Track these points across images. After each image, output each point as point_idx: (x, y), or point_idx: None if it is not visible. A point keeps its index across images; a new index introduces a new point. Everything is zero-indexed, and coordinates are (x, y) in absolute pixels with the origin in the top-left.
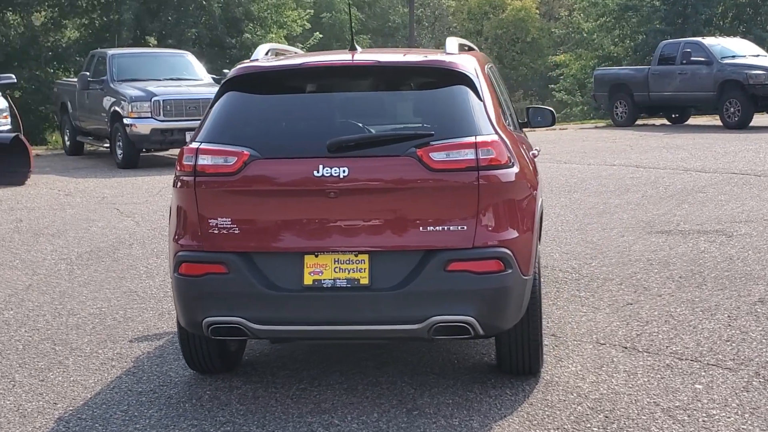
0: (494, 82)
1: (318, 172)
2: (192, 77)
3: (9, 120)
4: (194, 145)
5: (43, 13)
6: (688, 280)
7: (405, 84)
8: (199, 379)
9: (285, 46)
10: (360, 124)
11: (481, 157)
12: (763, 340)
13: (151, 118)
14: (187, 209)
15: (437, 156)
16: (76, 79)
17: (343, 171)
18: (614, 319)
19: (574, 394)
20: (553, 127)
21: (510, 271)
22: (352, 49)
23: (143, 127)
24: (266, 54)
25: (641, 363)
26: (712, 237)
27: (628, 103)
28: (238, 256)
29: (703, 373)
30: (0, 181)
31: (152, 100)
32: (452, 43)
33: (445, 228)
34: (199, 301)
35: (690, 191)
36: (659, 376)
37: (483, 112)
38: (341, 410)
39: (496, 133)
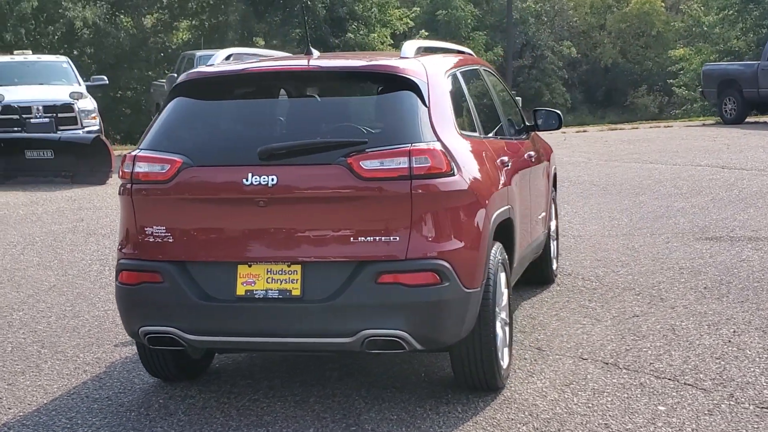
0: (463, 86)
1: (247, 180)
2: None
3: (98, 120)
4: (135, 152)
5: (155, 15)
6: (711, 291)
7: (347, 90)
8: (158, 387)
9: (251, 50)
10: (295, 132)
11: (414, 166)
12: (757, 359)
13: None
14: (126, 217)
15: (368, 164)
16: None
17: (272, 179)
18: (611, 333)
19: (526, 413)
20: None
21: (447, 284)
22: (308, 53)
23: None
24: (227, 58)
25: (614, 381)
26: (760, 245)
27: (737, 100)
28: (172, 266)
29: (673, 393)
30: (82, 181)
31: None
32: (410, 46)
33: (377, 239)
34: (135, 310)
35: (763, 195)
36: (626, 395)
37: (426, 118)
38: (280, 423)
39: (439, 140)
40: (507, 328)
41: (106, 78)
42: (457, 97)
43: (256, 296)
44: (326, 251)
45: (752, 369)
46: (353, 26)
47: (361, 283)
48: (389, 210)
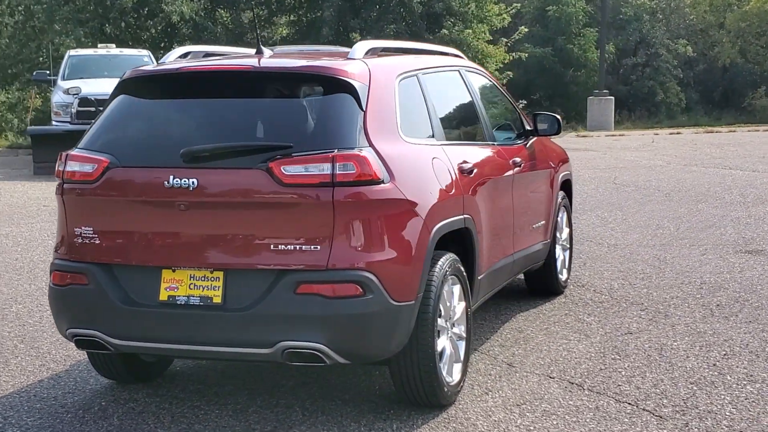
0: (424, 90)
1: (168, 182)
2: None
3: None
4: (70, 151)
5: (255, 10)
6: (722, 309)
7: (281, 92)
8: (107, 390)
9: (207, 48)
10: (223, 133)
11: (338, 172)
12: (734, 385)
13: None
14: (60, 217)
15: (289, 170)
16: None
17: (193, 182)
18: (593, 351)
19: None
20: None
21: (370, 296)
22: (258, 52)
23: None
24: (184, 56)
25: (570, 402)
26: None
27: None
28: (98, 268)
29: (625, 420)
30: None
31: None
32: (361, 47)
33: (298, 247)
34: (63, 312)
35: None
36: (575, 419)
37: (360, 123)
38: None
39: (371, 146)
40: (463, 343)
41: None
42: (410, 101)
43: (178, 302)
44: (248, 259)
45: (722, 396)
46: (449, 22)
47: (279, 293)
48: (310, 218)
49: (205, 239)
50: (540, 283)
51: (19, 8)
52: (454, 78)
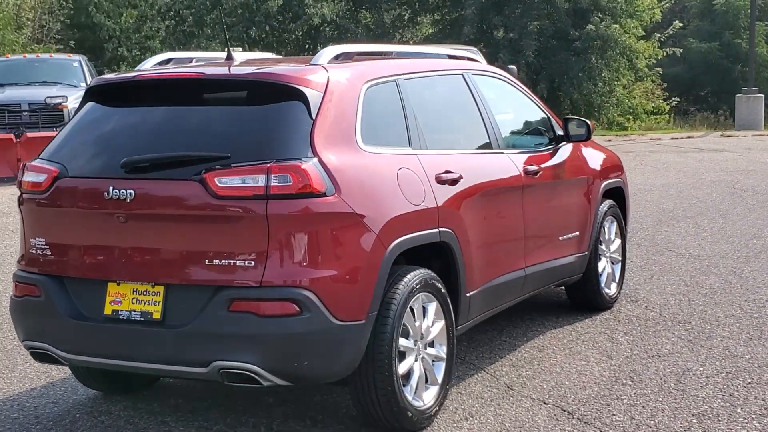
0: (402, 96)
1: (108, 194)
2: None
3: None
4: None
5: (397, 11)
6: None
7: (232, 100)
8: (87, 401)
9: (188, 54)
10: (168, 143)
11: (272, 184)
12: (739, 419)
13: None
14: (21, 227)
15: (223, 181)
16: None
17: (130, 194)
18: (606, 375)
19: None
20: None
21: (308, 315)
22: (228, 58)
23: None
24: (167, 62)
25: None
26: None
27: None
28: (50, 280)
29: None
30: None
31: None
32: (327, 53)
33: (233, 263)
34: (19, 323)
35: None
36: None
37: (307, 132)
38: None
39: (316, 156)
40: (442, 365)
41: None
42: (381, 108)
43: (121, 317)
44: (185, 273)
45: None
46: (596, 17)
47: (213, 311)
48: (245, 232)
49: (145, 252)
50: (580, 297)
51: (170, 13)
52: (454, 82)
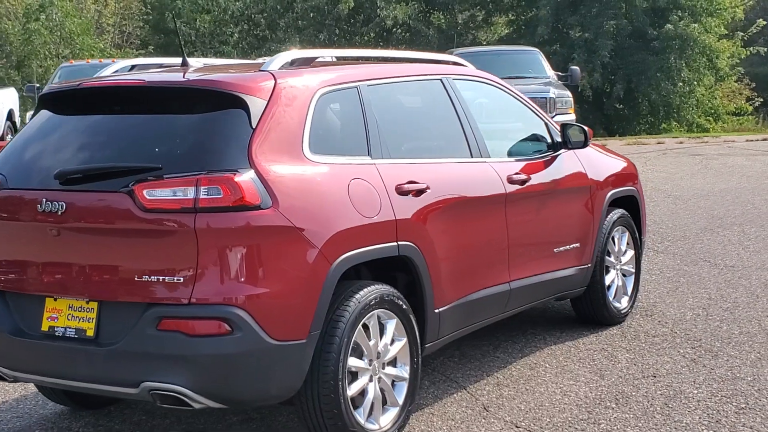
0: (363, 103)
1: (41, 206)
2: (538, 75)
3: None
4: None
5: (469, 12)
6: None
7: (174, 108)
8: (56, 416)
9: (155, 60)
10: (103, 154)
11: (201, 197)
12: None
13: None
14: None
15: (152, 194)
16: None
17: (61, 206)
18: (591, 397)
19: None
20: None
21: (239, 334)
22: (183, 64)
23: None
24: (131, 69)
25: None
26: None
27: None
28: None
29: None
30: None
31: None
32: (280, 58)
33: (162, 279)
34: None
35: None
36: None
37: (245, 142)
38: None
39: (252, 167)
40: (404, 385)
41: None
42: (337, 115)
43: (57, 334)
44: (117, 290)
45: None
46: (675, 16)
47: (141, 329)
48: (174, 247)
49: (78, 267)
50: (585, 311)
51: (243, 17)
52: (430, 88)
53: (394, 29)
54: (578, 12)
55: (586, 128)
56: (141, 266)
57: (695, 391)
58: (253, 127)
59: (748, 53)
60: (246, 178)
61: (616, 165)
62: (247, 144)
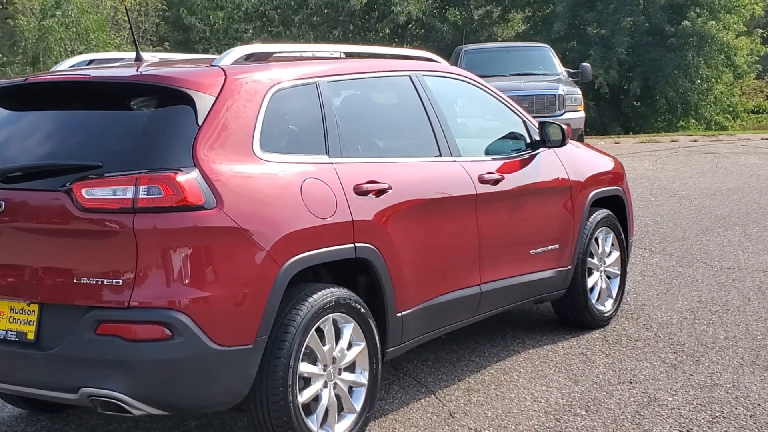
0: (322, 100)
1: None
2: (548, 72)
3: None
4: None
5: (485, 8)
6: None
7: (113, 104)
8: (13, 419)
9: (114, 55)
10: (47, 151)
11: (140, 197)
12: None
13: None
14: None
15: (91, 193)
16: None
17: (0, 205)
18: (561, 404)
19: None
20: None
21: (180, 339)
22: (137, 59)
23: None
24: (89, 63)
25: None
26: None
27: None
28: None
29: None
30: None
31: None
32: (234, 53)
33: (101, 281)
34: None
35: None
36: None
37: (189, 140)
38: None
39: (197, 166)
40: (362, 391)
41: None
42: (292, 113)
43: None
44: (57, 292)
45: None
46: (693, 13)
47: (80, 333)
48: (112, 248)
49: (19, 268)
50: (567, 314)
51: (256, 14)
52: (398, 84)
53: (409, 25)
54: (595, 8)
55: (564, 126)
56: (80, 268)
57: (670, 399)
58: (200, 124)
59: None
60: (188, 177)
61: (601, 164)
62: (192, 142)
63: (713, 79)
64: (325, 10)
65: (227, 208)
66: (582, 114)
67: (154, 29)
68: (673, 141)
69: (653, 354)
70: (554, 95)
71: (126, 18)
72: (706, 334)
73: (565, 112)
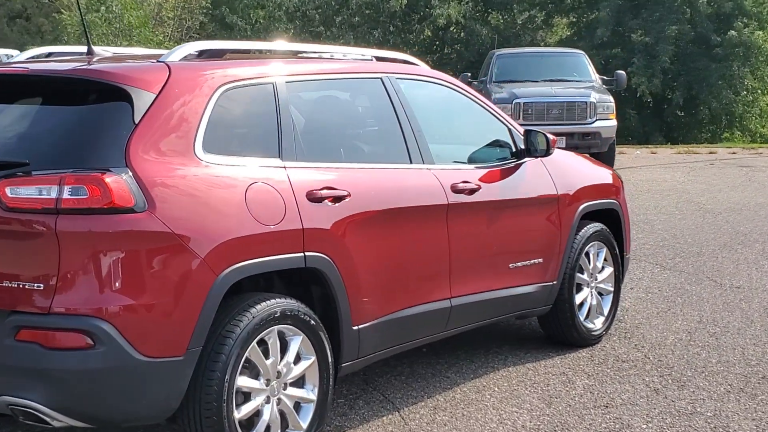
0: (280, 101)
1: None
2: (581, 78)
3: None
4: None
5: (528, 13)
6: (762, 386)
7: (51, 98)
8: None
9: (73, 48)
10: None
11: (65, 197)
12: None
13: None
14: None
15: (14, 191)
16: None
17: None
18: (528, 427)
19: None
20: None
21: (102, 349)
22: (89, 53)
23: None
24: (45, 56)
25: None
26: None
27: None
28: None
29: None
30: None
31: (514, 102)
32: (184, 49)
33: (23, 285)
34: None
35: None
36: None
37: (123, 138)
38: None
39: (128, 166)
40: (311, 407)
41: None
42: (241, 113)
43: None
44: None
45: None
46: (740, 23)
47: (0, 339)
48: (35, 251)
49: None
50: (553, 331)
51: (297, 14)
52: (367, 86)
53: (450, 28)
54: (640, 15)
55: (549, 136)
56: (2, 270)
57: (644, 426)
58: (136, 122)
59: None
60: (117, 177)
61: (595, 176)
62: (126, 141)
63: (759, 91)
64: (366, 11)
65: (159, 211)
66: (614, 122)
67: (197, 27)
68: (711, 153)
69: (638, 377)
70: (585, 102)
71: (170, 16)
72: (698, 358)
73: (597, 119)
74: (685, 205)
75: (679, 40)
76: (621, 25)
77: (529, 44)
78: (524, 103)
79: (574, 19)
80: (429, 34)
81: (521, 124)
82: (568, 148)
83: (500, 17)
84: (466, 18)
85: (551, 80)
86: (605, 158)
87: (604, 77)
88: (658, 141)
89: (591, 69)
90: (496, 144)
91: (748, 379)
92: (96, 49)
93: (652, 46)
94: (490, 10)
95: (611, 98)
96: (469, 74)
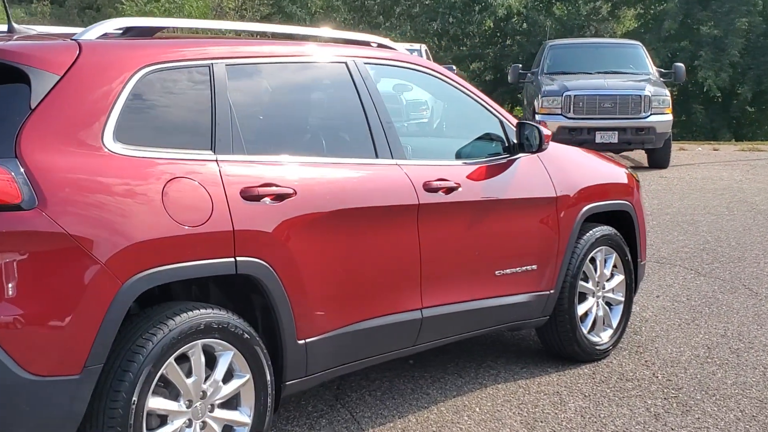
0: (217, 87)
1: None
2: (637, 71)
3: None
4: None
5: (593, 4)
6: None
7: None
8: None
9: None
10: None
11: None
12: None
13: (560, 115)
14: None
15: None
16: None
17: None
18: None
19: None
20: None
21: None
22: (9, 31)
23: (551, 125)
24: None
25: None
26: None
27: None
28: None
29: None
30: None
31: (564, 95)
32: (103, 25)
33: None
34: None
35: None
36: None
37: (15, 126)
38: None
39: (19, 157)
40: (244, 430)
41: (453, 67)
42: (166, 99)
43: None
44: None
45: None
46: None
47: None
48: None
49: None
50: (552, 345)
51: (356, 3)
52: (327, 72)
53: (512, 19)
54: (709, 7)
55: (543, 129)
56: None
57: None
58: (32, 107)
59: None
60: (2, 169)
61: (604, 175)
62: (19, 128)
63: None
64: (426, 2)
65: (52, 209)
66: (669, 117)
67: (258, 18)
68: None
69: (639, 399)
70: (639, 96)
71: (231, 6)
72: (713, 378)
73: (651, 114)
74: (737, 206)
75: (749, 32)
76: (689, 17)
77: (593, 36)
78: (575, 95)
79: (641, 11)
80: (490, 25)
81: (571, 118)
82: (620, 143)
83: (564, 8)
84: (527, 8)
85: (605, 72)
86: (660, 155)
87: (662, 70)
88: (725, 137)
89: (648, 61)
90: (487, 137)
91: (763, 404)
92: (20, 27)
93: (721, 39)
94: (553, 1)
95: (667, 92)
96: (520, 66)
